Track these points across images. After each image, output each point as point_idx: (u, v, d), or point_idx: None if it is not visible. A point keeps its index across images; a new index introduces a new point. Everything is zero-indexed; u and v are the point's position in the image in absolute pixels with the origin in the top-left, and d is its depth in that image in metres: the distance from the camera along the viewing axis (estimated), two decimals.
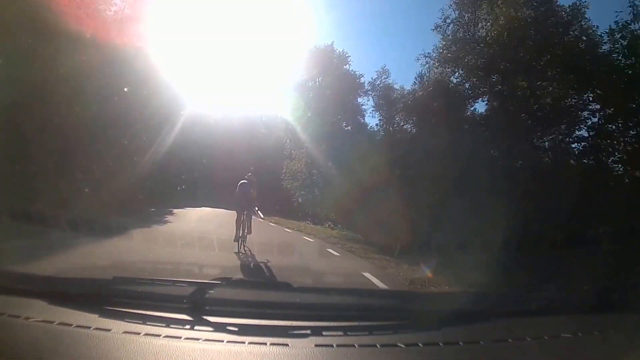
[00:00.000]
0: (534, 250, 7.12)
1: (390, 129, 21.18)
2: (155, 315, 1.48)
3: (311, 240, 11.15)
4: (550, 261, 6.85)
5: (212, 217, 15.47)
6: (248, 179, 8.07)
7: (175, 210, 16.81)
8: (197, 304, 1.56)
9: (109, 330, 1.36)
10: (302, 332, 1.46)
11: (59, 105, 10.72)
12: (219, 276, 1.86)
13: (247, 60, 32.78)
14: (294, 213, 21.53)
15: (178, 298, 1.58)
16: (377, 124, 22.27)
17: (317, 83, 19.93)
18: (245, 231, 7.19)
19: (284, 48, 26.12)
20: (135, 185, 14.98)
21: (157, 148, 17.30)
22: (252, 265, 5.82)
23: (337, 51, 19.84)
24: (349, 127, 22.18)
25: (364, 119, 21.73)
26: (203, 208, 20.09)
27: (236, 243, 6.78)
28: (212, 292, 1.63)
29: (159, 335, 1.35)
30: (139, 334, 1.36)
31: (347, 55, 19.80)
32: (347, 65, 19.78)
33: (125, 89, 13.97)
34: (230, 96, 36.79)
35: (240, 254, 6.45)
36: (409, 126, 19.09)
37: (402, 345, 1.37)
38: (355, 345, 1.38)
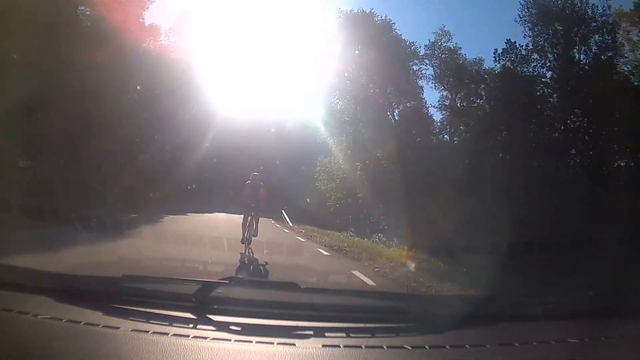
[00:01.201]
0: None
1: (460, 104, 18.10)
2: (163, 314, 1.61)
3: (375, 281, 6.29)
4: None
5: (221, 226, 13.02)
6: (254, 179, 8.32)
7: (169, 217, 14.90)
8: (205, 302, 1.71)
9: (118, 328, 1.47)
10: (309, 332, 1.59)
11: (82, 102, 12.33)
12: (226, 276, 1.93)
13: (275, 50, 33.46)
14: (330, 220, 18.70)
15: (186, 297, 1.73)
16: (439, 100, 19.10)
17: (356, 52, 17.10)
18: (252, 233, 7.61)
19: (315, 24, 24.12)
20: (156, 186, 16.95)
21: (181, 152, 19.26)
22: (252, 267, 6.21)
23: (379, 18, 17.08)
24: (401, 108, 19.38)
25: (422, 95, 18.78)
26: (217, 214, 17.63)
27: (243, 245, 7.24)
28: (219, 291, 1.78)
29: (167, 334, 1.46)
30: (147, 332, 1.45)
31: (390, 22, 16.98)
32: (393, 33, 17.00)
33: (138, 87, 14.48)
34: (258, 93, 36.24)
35: (245, 257, 6.73)
36: (486, 111, 16.19)
37: (409, 348, 1.48)
38: (362, 346, 1.49)
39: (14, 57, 10.27)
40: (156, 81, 15.80)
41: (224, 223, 12.61)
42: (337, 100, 19.16)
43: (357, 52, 16.93)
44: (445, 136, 19.80)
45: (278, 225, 17.42)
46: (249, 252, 6.97)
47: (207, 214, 17.24)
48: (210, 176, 26.84)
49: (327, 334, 1.56)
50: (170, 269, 4.21)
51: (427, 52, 17.42)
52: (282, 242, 8.40)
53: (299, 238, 11.57)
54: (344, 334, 1.57)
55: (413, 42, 17.36)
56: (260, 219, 8.24)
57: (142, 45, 15.02)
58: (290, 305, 1.80)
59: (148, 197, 16.28)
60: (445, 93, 18.78)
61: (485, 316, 1.80)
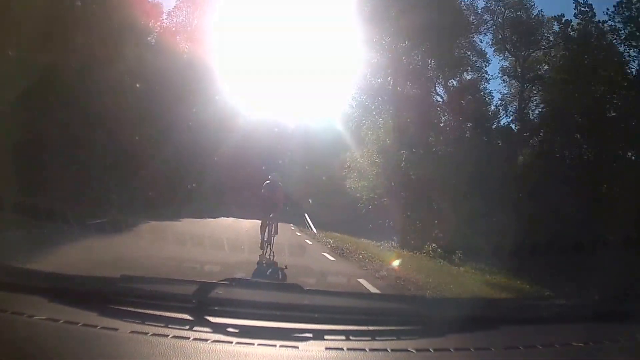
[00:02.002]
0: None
1: (529, 75, 17.95)
2: (162, 315, 1.89)
3: None
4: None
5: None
6: (273, 179, 9.55)
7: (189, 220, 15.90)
8: (206, 304, 2.00)
9: (116, 329, 1.73)
10: (312, 334, 1.87)
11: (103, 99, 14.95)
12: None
13: (295, 30, 34.70)
14: (361, 225, 19.05)
15: (186, 297, 2.02)
16: (500, 70, 19.11)
17: (393, 15, 16.89)
18: (272, 232, 8.94)
19: None
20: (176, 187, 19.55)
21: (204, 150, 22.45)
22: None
23: None
24: (452, 81, 19.32)
25: (480, 63, 18.64)
26: (238, 219, 18.20)
27: (262, 250, 8.51)
28: (220, 292, 2.08)
29: (167, 336, 1.72)
30: (147, 333, 1.72)
31: None
32: None
33: (138, 85, 17.81)
34: (278, 84, 39.31)
35: (264, 260, 8.14)
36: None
37: (413, 351, 1.75)
38: (366, 349, 1.75)
39: (9, 53, 11.97)
40: (167, 77, 18.52)
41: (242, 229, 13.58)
42: (371, 78, 19.32)
43: (394, 14, 16.74)
44: (505, 118, 19.76)
45: (299, 234, 17.48)
46: (269, 256, 8.49)
47: (222, 219, 18.12)
48: (225, 177, 28.10)
49: (330, 337, 1.84)
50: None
51: (487, 4, 17.44)
52: (304, 264, 8.25)
53: (327, 255, 10.81)
54: (347, 337, 1.85)
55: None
56: (280, 224, 9.50)
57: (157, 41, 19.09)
58: (292, 307, 2.11)
59: (162, 199, 18.35)
60: (505, 64, 18.61)
61: (490, 319, 2.12)
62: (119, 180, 15.63)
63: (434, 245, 13.36)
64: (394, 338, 1.88)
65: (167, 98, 19.15)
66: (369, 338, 1.86)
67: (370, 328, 1.94)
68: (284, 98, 40.68)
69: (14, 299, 1.96)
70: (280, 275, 7.07)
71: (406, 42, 17.05)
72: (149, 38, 19.84)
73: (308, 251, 10.81)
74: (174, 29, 23.16)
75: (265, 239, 8.61)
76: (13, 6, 11.71)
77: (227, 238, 9.80)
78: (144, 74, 17.49)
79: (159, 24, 21.80)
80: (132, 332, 1.72)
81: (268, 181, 9.36)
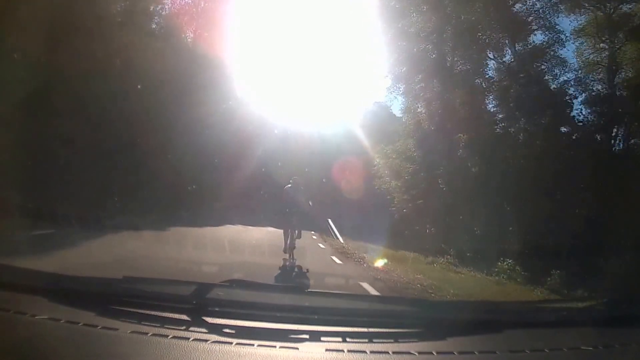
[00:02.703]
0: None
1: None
2: (162, 316, 2.28)
3: None
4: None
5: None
6: (295, 183, 11.18)
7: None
8: (206, 305, 2.41)
9: (117, 329, 2.08)
10: (312, 336, 2.20)
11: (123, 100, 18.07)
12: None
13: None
14: (395, 232, 18.45)
15: (186, 298, 2.43)
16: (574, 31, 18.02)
17: None
18: (295, 235, 10.87)
19: None
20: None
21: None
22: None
23: None
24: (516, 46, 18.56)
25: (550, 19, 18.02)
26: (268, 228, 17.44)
27: (287, 254, 10.55)
28: (220, 293, 2.50)
29: (167, 336, 2.08)
30: (147, 334, 2.09)
31: None
32: None
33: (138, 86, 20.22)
34: (301, 78, 44.54)
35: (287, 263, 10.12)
36: None
37: (415, 353, 2.04)
38: (367, 351, 2.07)
39: (16, 56, 14.21)
40: (174, 75, 20.69)
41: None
42: (403, 43, 19.19)
43: None
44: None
45: (322, 245, 16.77)
46: (292, 259, 10.36)
47: (228, 227, 17.92)
48: (231, 179, 28.61)
49: (330, 338, 2.19)
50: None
51: None
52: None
53: (368, 288, 8.06)
54: (347, 339, 2.19)
55: None
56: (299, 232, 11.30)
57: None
58: (293, 308, 2.50)
59: (184, 204, 20.80)
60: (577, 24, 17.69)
61: (495, 322, 2.43)
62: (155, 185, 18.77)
63: (509, 261, 12.57)
64: (395, 340, 2.18)
65: (176, 94, 21.07)
66: (370, 340, 2.20)
67: (371, 330, 2.28)
68: (302, 89, 44.34)
69: (16, 299, 2.35)
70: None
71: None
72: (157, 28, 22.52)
73: (337, 276, 9.48)
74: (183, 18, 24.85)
75: (288, 243, 10.54)
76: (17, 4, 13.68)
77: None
78: (151, 74, 19.63)
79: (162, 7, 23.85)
80: (133, 332, 2.07)
81: (289, 185, 11.09)
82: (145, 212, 17.03)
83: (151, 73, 19.64)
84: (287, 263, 9.96)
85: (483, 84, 18.57)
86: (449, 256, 14.59)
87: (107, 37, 17.52)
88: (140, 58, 18.87)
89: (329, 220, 21.77)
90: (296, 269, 9.66)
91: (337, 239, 19.34)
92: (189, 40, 23.71)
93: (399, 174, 19.55)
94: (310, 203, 12.05)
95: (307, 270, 9.10)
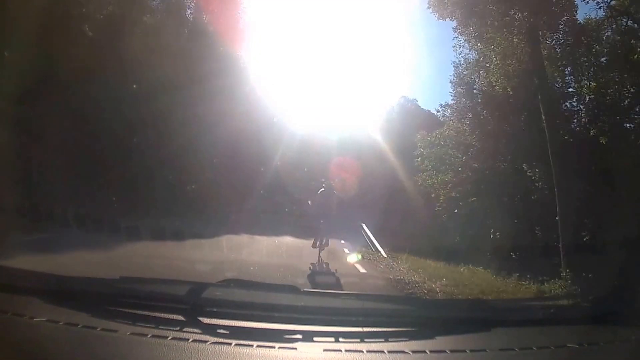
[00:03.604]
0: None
1: None
2: (161, 317, 2.42)
3: None
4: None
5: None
6: (327, 187, 12.41)
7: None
8: (203, 305, 2.56)
9: (116, 331, 2.24)
10: (310, 336, 2.39)
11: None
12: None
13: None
14: (442, 238, 16.52)
15: (184, 299, 2.58)
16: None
17: None
18: (324, 242, 11.80)
19: None
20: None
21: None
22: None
23: None
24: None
25: None
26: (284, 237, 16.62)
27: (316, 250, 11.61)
28: (218, 293, 2.67)
29: (166, 337, 2.21)
30: (146, 335, 2.22)
31: None
32: None
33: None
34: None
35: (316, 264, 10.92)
36: None
37: (410, 352, 2.25)
38: (364, 350, 2.27)
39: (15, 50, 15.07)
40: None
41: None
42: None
43: None
44: None
45: (358, 265, 11.91)
46: (320, 260, 11.26)
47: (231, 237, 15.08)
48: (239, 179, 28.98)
49: (327, 338, 2.37)
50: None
51: None
52: None
53: None
54: (345, 338, 2.39)
55: None
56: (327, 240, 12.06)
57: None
58: (290, 308, 2.67)
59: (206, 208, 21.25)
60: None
61: (486, 321, 2.69)
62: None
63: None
64: (390, 339, 2.42)
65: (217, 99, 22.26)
66: (366, 340, 2.40)
67: (367, 330, 2.50)
68: (324, 87, 45.36)
69: (15, 301, 2.52)
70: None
71: None
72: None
73: None
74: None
75: (319, 244, 11.56)
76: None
77: None
78: (184, 76, 20.95)
79: None
80: (132, 333, 2.21)
81: (322, 189, 12.25)
82: (160, 216, 17.14)
83: (184, 76, 20.77)
84: (317, 265, 10.97)
85: None
86: (557, 282, 10.65)
87: (113, 37, 18.68)
88: (176, 64, 20.46)
89: (363, 226, 19.47)
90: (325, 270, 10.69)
91: (379, 251, 15.76)
92: (217, 41, 24.17)
93: (448, 167, 17.94)
94: (340, 208, 12.94)
95: (336, 270, 10.49)
